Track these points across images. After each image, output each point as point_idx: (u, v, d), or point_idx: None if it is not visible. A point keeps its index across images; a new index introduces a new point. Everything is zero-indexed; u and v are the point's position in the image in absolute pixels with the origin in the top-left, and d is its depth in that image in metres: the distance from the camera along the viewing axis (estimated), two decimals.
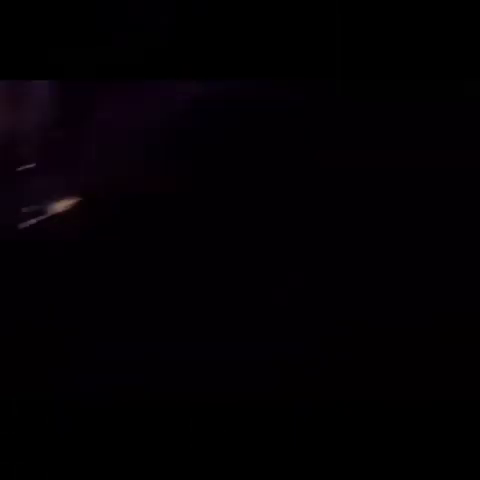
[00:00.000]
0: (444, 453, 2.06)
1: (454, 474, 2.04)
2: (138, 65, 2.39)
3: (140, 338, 2.35)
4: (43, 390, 2.19)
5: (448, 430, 2.09)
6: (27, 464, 2.06)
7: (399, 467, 2.06)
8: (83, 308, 2.41)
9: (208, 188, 2.58)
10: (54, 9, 2.34)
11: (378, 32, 2.38)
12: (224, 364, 2.26)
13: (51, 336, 2.33)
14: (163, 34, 2.41)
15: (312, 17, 2.38)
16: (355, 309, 2.34)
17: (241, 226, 2.54)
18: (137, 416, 2.14)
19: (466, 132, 2.52)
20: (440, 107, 2.54)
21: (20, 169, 2.57)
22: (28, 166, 2.58)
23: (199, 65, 2.41)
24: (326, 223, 2.51)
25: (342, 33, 2.38)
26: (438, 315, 2.27)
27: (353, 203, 2.52)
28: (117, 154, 2.60)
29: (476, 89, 2.47)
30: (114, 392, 2.17)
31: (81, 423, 2.12)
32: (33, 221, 2.54)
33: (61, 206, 2.59)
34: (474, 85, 2.45)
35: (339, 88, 2.52)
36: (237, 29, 2.38)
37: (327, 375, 2.22)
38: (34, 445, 2.09)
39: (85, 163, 2.60)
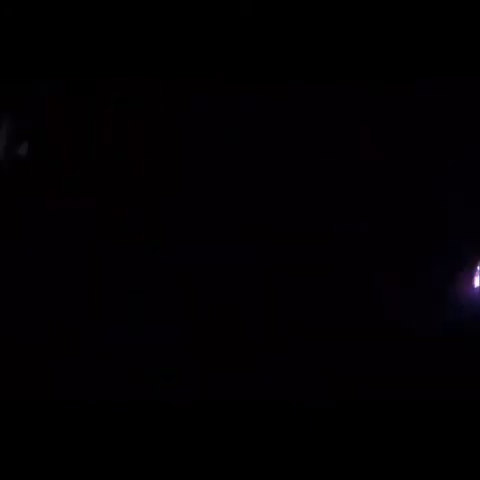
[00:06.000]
0: (444, 453, 2.06)
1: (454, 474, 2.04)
2: None
3: (140, 338, 2.35)
4: (43, 390, 2.20)
5: (448, 430, 2.09)
6: (27, 464, 2.06)
7: (399, 467, 2.06)
8: (83, 307, 2.41)
9: None
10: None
11: None
12: (223, 365, 2.27)
13: (51, 336, 2.33)
14: None
15: None
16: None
17: None
18: (137, 416, 2.15)
19: None
20: None
21: None
22: None
23: None
24: None
25: None
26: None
27: None
28: None
29: None
30: (113, 392, 2.18)
31: (81, 423, 2.13)
32: None
33: None
34: None
35: None
36: None
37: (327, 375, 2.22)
38: (34, 445, 2.10)
39: None
